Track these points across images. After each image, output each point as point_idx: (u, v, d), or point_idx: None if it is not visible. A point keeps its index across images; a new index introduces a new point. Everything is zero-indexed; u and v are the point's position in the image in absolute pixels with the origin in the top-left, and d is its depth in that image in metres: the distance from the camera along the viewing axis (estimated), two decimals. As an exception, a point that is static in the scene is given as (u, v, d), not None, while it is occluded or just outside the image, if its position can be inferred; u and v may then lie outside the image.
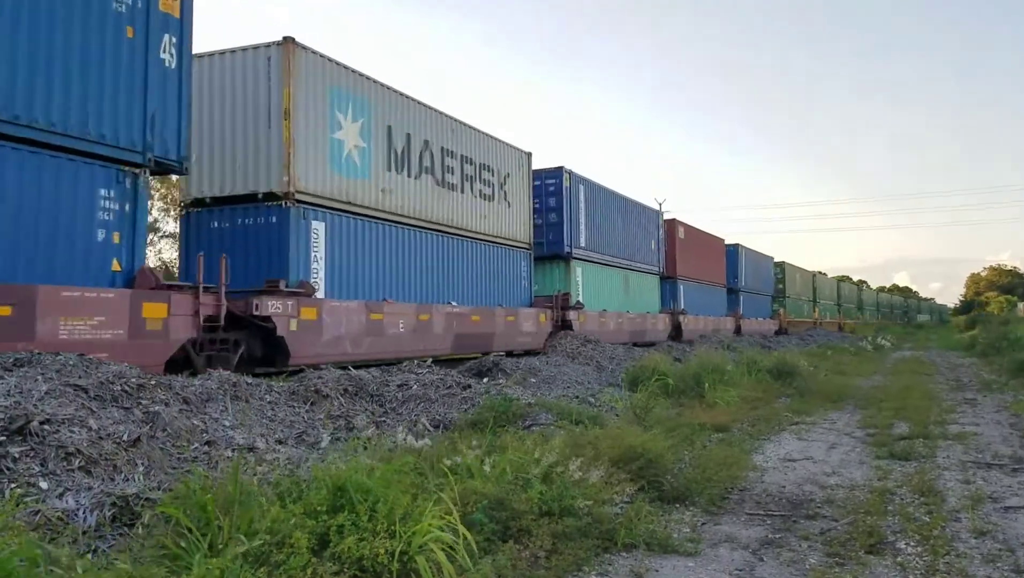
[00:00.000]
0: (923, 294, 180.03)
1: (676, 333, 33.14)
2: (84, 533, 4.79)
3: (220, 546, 4.05)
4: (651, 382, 13.40)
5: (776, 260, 56.86)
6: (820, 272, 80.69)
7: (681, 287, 35.40)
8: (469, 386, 11.58)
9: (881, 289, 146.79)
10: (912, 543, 5.65)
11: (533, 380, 14.70)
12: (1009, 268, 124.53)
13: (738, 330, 41.81)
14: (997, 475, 8.06)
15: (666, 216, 41.20)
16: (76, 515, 4.96)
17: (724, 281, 42.89)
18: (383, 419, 9.81)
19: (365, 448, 7.43)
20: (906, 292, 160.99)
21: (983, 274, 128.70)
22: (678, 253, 35.03)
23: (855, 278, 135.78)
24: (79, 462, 5.61)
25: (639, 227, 31.21)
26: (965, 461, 8.80)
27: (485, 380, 13.34)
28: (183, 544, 4.12)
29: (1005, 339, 27.30)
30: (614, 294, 28.37)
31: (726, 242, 44.96)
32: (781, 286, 56.64)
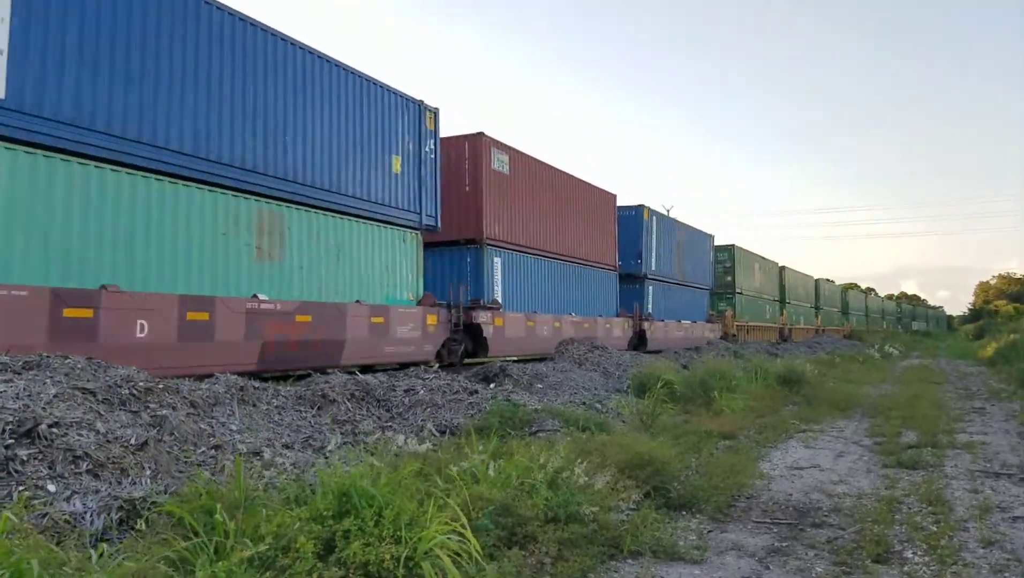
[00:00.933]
0: (932, 302, 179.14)
1: (472, 347, 18.28)
2: (91, 536, 4.81)
3: (226, 550, 4.05)
4: (657, 388, 13.37)
5: (720, 242, 41.19)
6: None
7: (496, 262, 19.64)
8: (476, 391, 11.60)
9: (889, 297, 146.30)
10: (919, 552, 5.63)
11: (540, 385, 14.69)
12: (1018, 276, 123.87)
13: (641, 338, 28.33)
14: (1005, 485, 8.02)
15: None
16: (83, 518, 4.98)
17: (614, 262, 27.52)
18: (390, 424, 9.82)
19: (372, 453, 7.44)
20: (914, 300, 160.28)
21: (992, 282, 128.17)
22: (489, 199, 19.35)
23: (863, 285, 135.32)
24: (87, 465, 5.62)
25: (350, 124, 14.74)
26: (973, 470, 8.76)
27: (492, 385, 13.35)
28: (188, 547, 4.14)
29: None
30: (223, 254, 12.01)
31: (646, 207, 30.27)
32: (729, 278, 42.01)
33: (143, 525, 4.75)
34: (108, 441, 6.01)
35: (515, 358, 19.51)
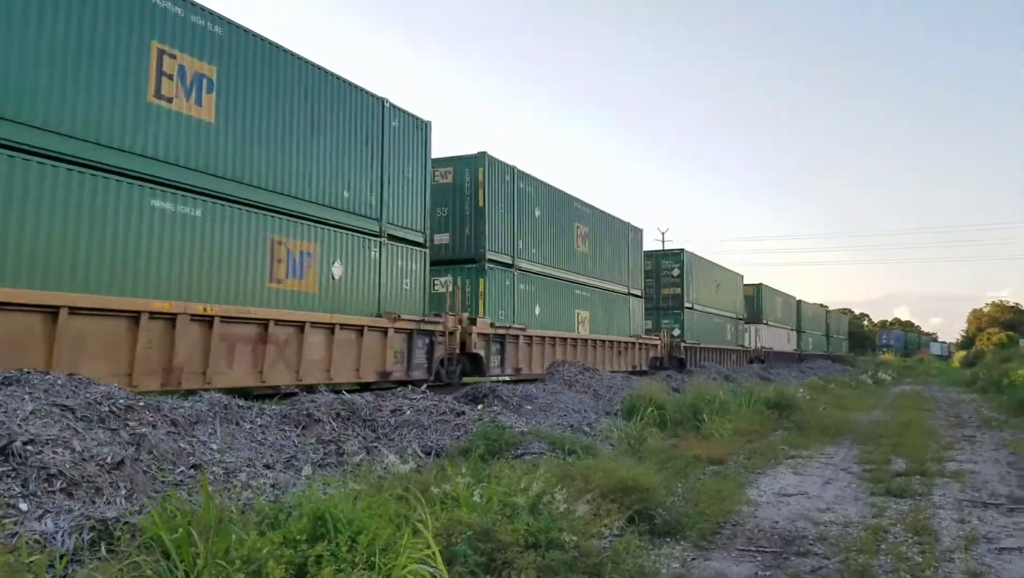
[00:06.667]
0: (925, 328, 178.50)
1: None
2: (61, 557, 4.72)
3: (196, 574, 3.97)
4: (646, 412, 13.30)
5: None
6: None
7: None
8: (463, 413, 11.50)
9: (883, 323, 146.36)
10: (904, 584, 5.56)
11: (529, 407, 14.58)
12: (1011, 304, 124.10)
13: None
14: (993, 515, 7.96)
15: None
16: (54, 538, 4.89)
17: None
18: (375, 445, 9.72)
19: (355, 475, 7.36)
20: (907, 326, 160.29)
21: (985, 310, 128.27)
22: None
23: (856, 311, 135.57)
24: (60, 484, 5.54)
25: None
26: (961, 500, 8.69)
27: (480, 406, 13.25)
28: (158, 571, 4.06)
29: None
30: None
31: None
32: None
33: (113, 546, 4.66)
34: (84, 459, 5.92)
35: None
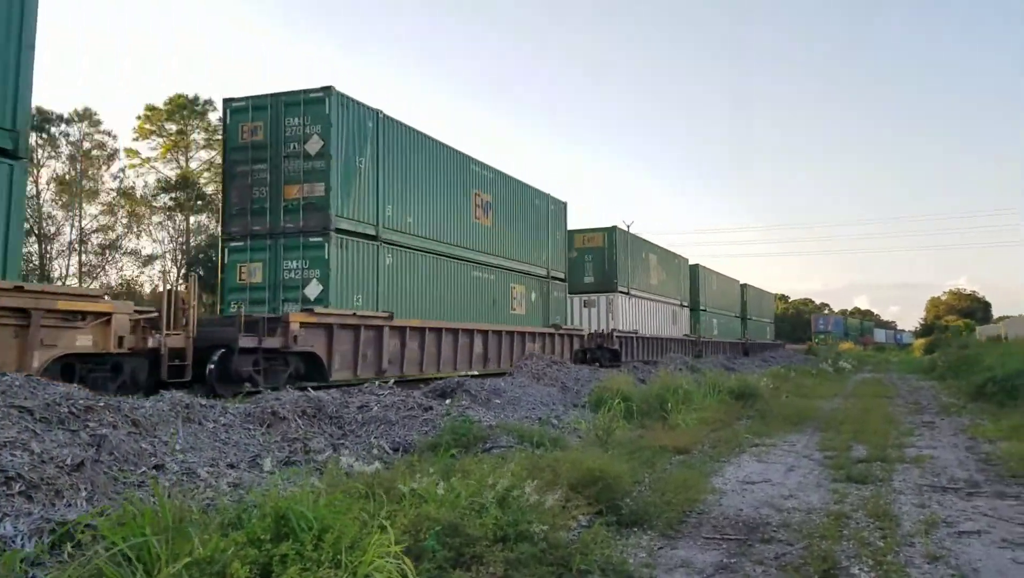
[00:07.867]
0: (884, 317, 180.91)
1: None
2: (21, 561, 4.64)
3: (156, 575, 3.92)
4: (613, 404, 13.38)
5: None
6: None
7: None
8: (431, 408, 11.49)
9: (843, 312, 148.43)
10: (865, 568, 5.65)
11: (497, 401, 14.61)
12: (969, 292, 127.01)
13: None
14: (952, 499, 8.12)
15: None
16: (14, 541, 4.81)
17: None
18: (342, 442, 9.67)
19: (321, 472, 7.31)
20: (866, 315, 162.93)
21: (943, 298, 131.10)
22: None
23: (817, 301, 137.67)
24: (19, 487, 5.44)
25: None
26: (921, 485, 8.86)
27: (447, 401, 13.24)
28: (120, 572, 3.99)
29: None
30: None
31: None
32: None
33: (74, 548, 4.58)
34: (43, 461, 5.82)
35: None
